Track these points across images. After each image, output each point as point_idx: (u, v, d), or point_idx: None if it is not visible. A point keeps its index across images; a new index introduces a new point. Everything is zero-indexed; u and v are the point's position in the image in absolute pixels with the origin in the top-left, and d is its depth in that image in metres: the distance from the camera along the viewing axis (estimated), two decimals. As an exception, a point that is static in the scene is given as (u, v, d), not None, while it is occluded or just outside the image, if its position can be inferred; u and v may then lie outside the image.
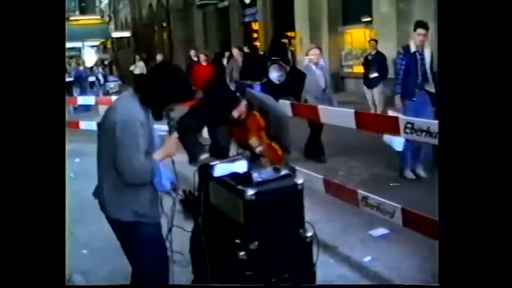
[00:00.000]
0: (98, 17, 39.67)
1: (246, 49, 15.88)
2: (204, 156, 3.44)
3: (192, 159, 3.52)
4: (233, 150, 3.50)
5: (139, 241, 3.06)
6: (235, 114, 3.37)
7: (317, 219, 3.44)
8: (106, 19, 41.37)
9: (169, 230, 3.23)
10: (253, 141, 3.42)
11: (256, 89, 9.96)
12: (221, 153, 3.47)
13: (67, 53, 32.63)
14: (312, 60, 8.10)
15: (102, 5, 44.92)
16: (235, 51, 15.77)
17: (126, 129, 2.83)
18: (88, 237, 4.93)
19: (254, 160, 3.32)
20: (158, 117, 3.11)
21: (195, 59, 15.62)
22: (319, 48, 8.71)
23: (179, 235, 3.65)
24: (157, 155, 2.96)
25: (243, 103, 3.38)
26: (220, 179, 3.12)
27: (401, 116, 4.17)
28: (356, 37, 16.25)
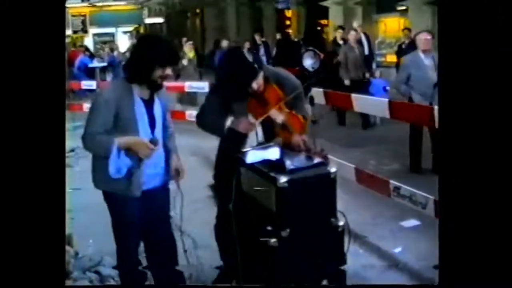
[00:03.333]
0: (132, 3, 39.91)
1: (279, 36, 15.67)
2: (229, 121, 3.38)
3: (219, 131, 3.45)
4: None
5: (111, 211, 3.31)
6: (254, 86, 3.33)
7: (348, 208, 3.40)
8: (140, 5, 41.60)
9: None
10: (274, 112, 3.37)
11: (378, 82, 9.72)
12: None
13: (100, 39, 32.84)
14: (420, 46, 6.61)
15: (136, -9, 45.20)
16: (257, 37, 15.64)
17: (92, 104, 3.18)
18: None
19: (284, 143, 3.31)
20: (151, 87, 3.19)
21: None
22: (431, 33, 7.02)
23: (209, 223, 3.67)
24: (119, 139, 3.05)
25: (261, 74, 3.35)
26: (252, 166, 3.11)
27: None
28: (390, 25, 16.01)
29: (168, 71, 3.15)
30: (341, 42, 10.88)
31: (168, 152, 3.33)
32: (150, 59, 3.09)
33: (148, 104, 3.22)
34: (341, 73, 9.85)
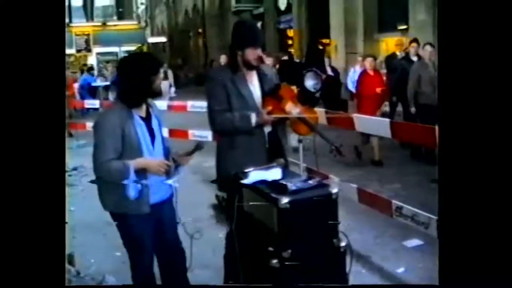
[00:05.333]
0: (135, 22, 40.27)
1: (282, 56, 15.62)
2: (254, 116, 3.50)
3: (247, 124, 3.51)
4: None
5: (122, 232, 3.37)
6: (250, 55, 3.53)
7: (350, 228, 3.40)
8: (143, 24, 41.97)
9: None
10: (289, 106, 3.54)
11: None
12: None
13: (104, 57, 33.08)
14: None
15: (139, 11, 45.59)
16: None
17: (96, 130, 3.19)
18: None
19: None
20: (155, 96, 3.31)
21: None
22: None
23: (211, 242, 3.66)
24: (135, 162, 3.14)
25: (258, 51, 3.55)
26: (254, 187, 3.11)
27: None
28: (392, 45, 16.07)
29: (161, 75, 3.29)
30: (415, 58, 9.16)
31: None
32: (145, 73, 3.20)
33: (147, 121, 3.32)
34: (409, 98, 8.27)
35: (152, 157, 3.25)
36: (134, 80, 3.21)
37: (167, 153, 3.40)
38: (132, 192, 3.15)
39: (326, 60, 11.99)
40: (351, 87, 11.30)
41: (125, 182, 3.12)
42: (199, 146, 3.31)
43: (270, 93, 3.59)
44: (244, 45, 3.55)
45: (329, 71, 11.16)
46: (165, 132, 3.48)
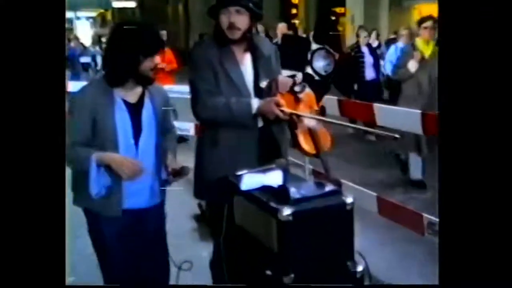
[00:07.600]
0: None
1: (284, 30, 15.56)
2: (256, 104, 3.53)
3: (246, 116, 3.53)
4: None
5: (91, 234, 3.45)
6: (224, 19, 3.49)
7: (369, 248, 3.44)
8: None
9: None
10: (304, 111, 3.56)
11: None
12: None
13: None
14: None
15: (102, -33, 45.45)
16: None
17: (68, 110, 3.16)
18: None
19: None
20: (142, 82, 3.31)
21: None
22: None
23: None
24: (98, 155, 3.15)
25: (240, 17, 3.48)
26: (248, 194, 3.12)
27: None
28: (427, 12, 16.09)
29: (158, 59, 3.27)
30: None
31: (158, 165, 3.42)
32: (131, 49, 3.18)
33: (135, 109, 3.32)
34: None
35: (132, 155, 3.25)
36: (119, 54, 3.23)
37: (159, 156, 3.40)
38: (94, 189, 3.16)
39: (365, 38, 11.81)
40: (389, 69, 11.20)
41: (90, 176, 3.13)
42: (185, 170, 3.38)
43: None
44: (222, 3, 3.49)
45: (367, 53, 11.14)
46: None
